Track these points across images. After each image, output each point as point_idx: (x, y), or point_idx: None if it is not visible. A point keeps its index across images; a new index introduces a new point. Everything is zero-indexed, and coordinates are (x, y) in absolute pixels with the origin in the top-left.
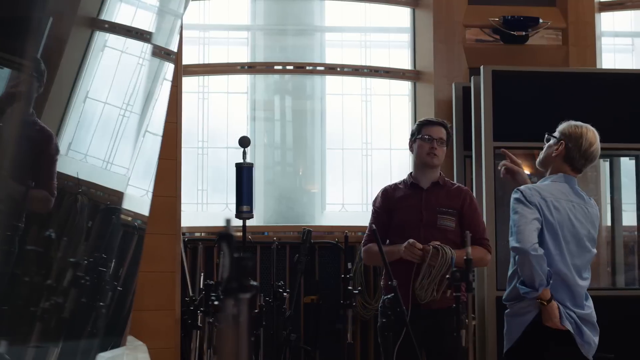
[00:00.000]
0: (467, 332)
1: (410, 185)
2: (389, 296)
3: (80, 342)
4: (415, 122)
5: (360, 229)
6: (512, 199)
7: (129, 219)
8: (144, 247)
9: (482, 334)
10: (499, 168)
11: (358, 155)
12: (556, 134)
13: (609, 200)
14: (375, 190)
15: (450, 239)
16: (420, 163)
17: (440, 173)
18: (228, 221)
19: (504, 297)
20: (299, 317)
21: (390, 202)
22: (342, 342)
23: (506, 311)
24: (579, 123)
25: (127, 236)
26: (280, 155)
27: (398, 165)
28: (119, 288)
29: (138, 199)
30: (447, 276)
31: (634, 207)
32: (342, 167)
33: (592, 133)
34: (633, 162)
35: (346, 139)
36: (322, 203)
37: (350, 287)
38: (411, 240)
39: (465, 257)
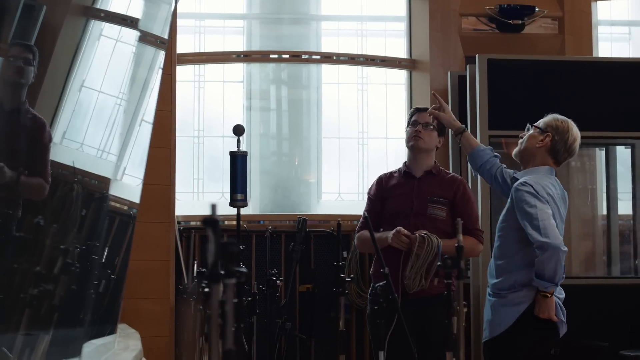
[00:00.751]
0: (459, 320)
1: (404, 173)
2: (381, 283)
3: (73, 329)
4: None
5: (356, 217)
6: (521, 191)
7: (125, 207)
8: (139, 235)
9: (477, 322)
10: (428, 114)
11: (354, 144)
12: (541, 125)
13: (604, 189)
14: (371, 179)
15: (440, 228)
16: (408, 149)
17: (435, 162)
18: (213, 207)
19: (496, 287)
20: (294, 305)
21: (383, 191)
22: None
23: (495, 300)
24: (563, 117)
25: (122, 225)
26: (276, 145)
27: (394, 154)
28: (112, 276)
29: (134, 187)
30: (439, 263)
31: (630, 196)
32: (338, 156)
33: (575, 129)
34: (629, 150)
35: (342, 128)
36: (318, 192)
37: (342, 275)
38: (399, 228)
39: (456, 244)
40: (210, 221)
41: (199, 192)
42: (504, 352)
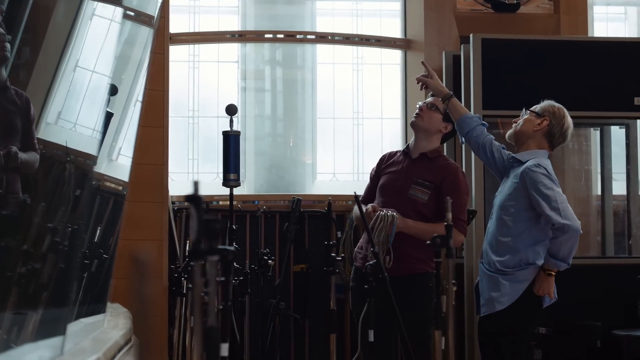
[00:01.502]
0: (448, 298)
1: (403, 153)
2: (371, 262)
3: (62, 308)
4: (406, 91)
5: (351, 197)
6: (536, 173)
7: (120, 188)
8: (132, 215)
9: (470, 301)
10: (417, 82)
11: (349, 125)
12: (538, 110)
13: (599, 170)
14: (366, 160)
15: (419, 211)
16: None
17: (439, 147)
18: (196, 184)
19: (501, 264)
20: (288, 285)
21: (380, 168)
22: (320, 308)
23: (499, 276)
24: (559, 104)
25: (117, 205)
26: (270, 126)
27: (389, 135)
28: (105, 256)
29: (127, 167)
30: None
31: (624, 176)
32: (332, 136)
33: (569, 117)
34: (623, 131)
35: (337, 109)
36: (312, 172)
37: (333, 254)
38: (369, 206)
39: (445, 223)
40: (193, 198)
41: (194, 173)
42: (501, 327)
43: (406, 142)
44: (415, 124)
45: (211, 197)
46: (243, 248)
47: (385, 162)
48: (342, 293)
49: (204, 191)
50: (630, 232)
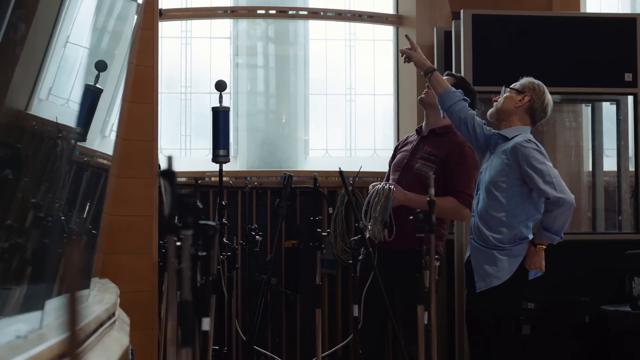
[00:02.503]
0: (431, 274)
1: (416, 131)
2: (355, 238)
3: (46, 284)
4: (398, 67)
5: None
6: (527, 149)
7: (110, 163)
8: (122, 191)
9: (461, 277)
10: (401, 55)
11: (342, 101)
12: (518, 87)
13: (590, 146)
14: (359, 136)
15: (425, 185)
16: None
17: (448, 124)
18: (169, 158)
19: (497, 240)
20: (279, 261)
21: (399, 145)
22: (311, 284)
23: (494, 252)
24: (538, 81)
25: (107, 180)
26: (263, 102)
27: (382, 111)
28: (93, 231)
29: (114, 142)
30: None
31: (615, 152)
32: (325, 112)
33: (549, 93)
34: (614, 107)
35: (330, 85)
36: (305, 149)
37: (319, 230)
38: (374, 184)
39: (428, 199)
40: (166, 173)
41: (186, 149)
42: (497, 301)
43: (398, 119)
44: (421, 99)
45: (203, 174)
46: (234, 224)
47: (403, 143)
48: (333, 268)
49: (196, 167)
50: (621, 208)
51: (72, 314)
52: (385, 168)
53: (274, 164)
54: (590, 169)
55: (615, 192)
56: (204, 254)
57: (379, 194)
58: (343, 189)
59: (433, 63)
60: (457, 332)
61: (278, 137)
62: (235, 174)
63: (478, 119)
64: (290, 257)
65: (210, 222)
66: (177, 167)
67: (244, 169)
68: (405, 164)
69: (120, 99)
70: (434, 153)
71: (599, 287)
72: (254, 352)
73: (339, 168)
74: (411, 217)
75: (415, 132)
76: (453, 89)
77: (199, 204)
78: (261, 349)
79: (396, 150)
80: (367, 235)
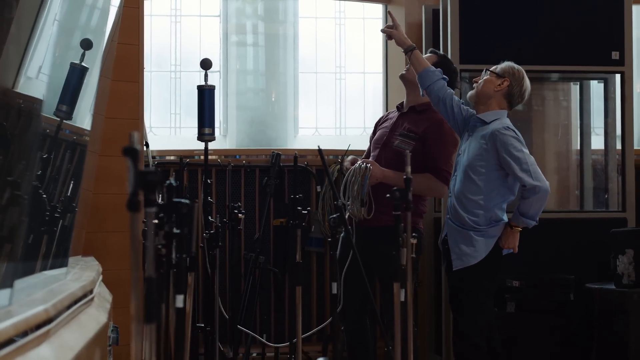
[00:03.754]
0: (407, 252)
1: (397, 108)
2: (334, 216)
3: (27, 262)
4: (387, 46)
5: (332, 152)
6: (506, 136)
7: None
8: (106, 169)
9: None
10: (381, 32)
11: (331, 79)
12: (498, 71)
13: (578, 124)
14: (348, 114)
15: (404, 161)
16: None
17: (428, 101)
18: (132, 135)
19: (473, 222)
20: (268, 239)
21: (377, 125)
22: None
23: (471, 232)
24: (518, 66)
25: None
26: (252, 80)
27: (372, 89)
28: (76, 209)
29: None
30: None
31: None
32: (315, 91)
33: (527, 78)
34: (602, 85)
35: (319, 63)
36: (295, 127)
37: (299, 208)
38: (348, 159)
39: (405, 176)
40: (129, 150)
41: (176, 127)
42: (473, 278)
43: (387, 97)
44: (402, 76)
45: (191, 152)
46: (223, 202)
47: (383, 119)
48: (321, 246)
49: (185, 146)
50: (608, 186)
51: None
52: None
53: (264, 142)
54: (579, 147)
55: (603, 170)
56: (177, 231)
57: (356, 173)
58: (331, 167)
59: (421, 41)
60: (443, 308)
61: (268, 115)
62: (224, 152)
63: (456, 98)
64: (278, 235)
65: (184, 200)
66: (166, 145)
67: (234, 147)
68: (385, 140)
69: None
70: (413, 130)
71: (585, 265)
72: (237, 331)
73: (318, 146)
74: (388, 195)
75: (395, 109)
76: (433, 68)
77: (172, 181)
78: (244, 329)
79: (377, 127)
80: (347, 215)
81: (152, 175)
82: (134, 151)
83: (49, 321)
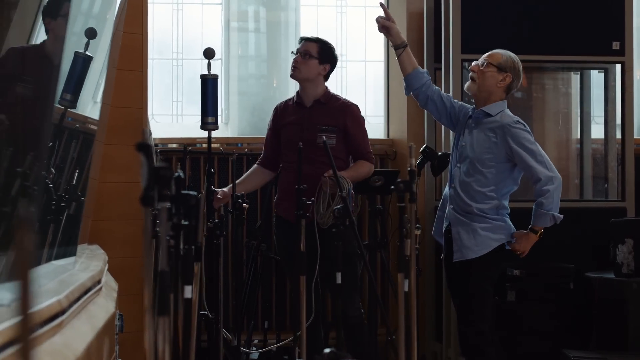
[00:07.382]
0: (411, 242)
1: (296, 103)
2: (338, 206)
3: (37, 252)
4: None
5: None
6: (518, 130)
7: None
8: (111, 157)
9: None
10: (376, 21)
11: None
12: (501, 65)
13: (579, 113)
14: None
15: (334, 156)
16: None
17: (327, 90)
18: (144, 132)
19: (479, 210)
20: (270, 227)
21: (279, 120)
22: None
23: (475, 224)
24: (514, 55)
25: (92, 146)
26: (254, 67)
27: (373, 77)
28: (82, 198)
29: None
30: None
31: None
32: None
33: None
34: (602, 75)
35: None
36: None
37: (303, 198)
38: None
39: (409, 169)
40: (142, 146)
41: (178, 115)
42: (480, 268)
43: (388, 85)
44: (294, 76)
45: (194, 140)
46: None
47: (281, 115)
48: None
49: (187, 134)
50: (608, 175)
51: (25, 299)
52: (375, 135)
53: (265, 129)
54: (579, 136)
55: (603, 159)
56: (186, 223)
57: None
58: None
59: (423, 30)
60: (444, 298)
61: (269, 101)
62: (226, 140)
63: (444, 93)
64: None
65: (192, 192)
66: (168, 133)
67: (235, 134)
68: (304, 140)
69: (107, 64)
70: (330, 123)
71: (584, 254)
72: (242, 317)
73: (323, 140)
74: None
75: (291, 102)
76: (420, 68)
77: (179, 174)
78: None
79: (277, 124)
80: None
81: (165, 170)
82: (147, 147)
83: (62, 312)
